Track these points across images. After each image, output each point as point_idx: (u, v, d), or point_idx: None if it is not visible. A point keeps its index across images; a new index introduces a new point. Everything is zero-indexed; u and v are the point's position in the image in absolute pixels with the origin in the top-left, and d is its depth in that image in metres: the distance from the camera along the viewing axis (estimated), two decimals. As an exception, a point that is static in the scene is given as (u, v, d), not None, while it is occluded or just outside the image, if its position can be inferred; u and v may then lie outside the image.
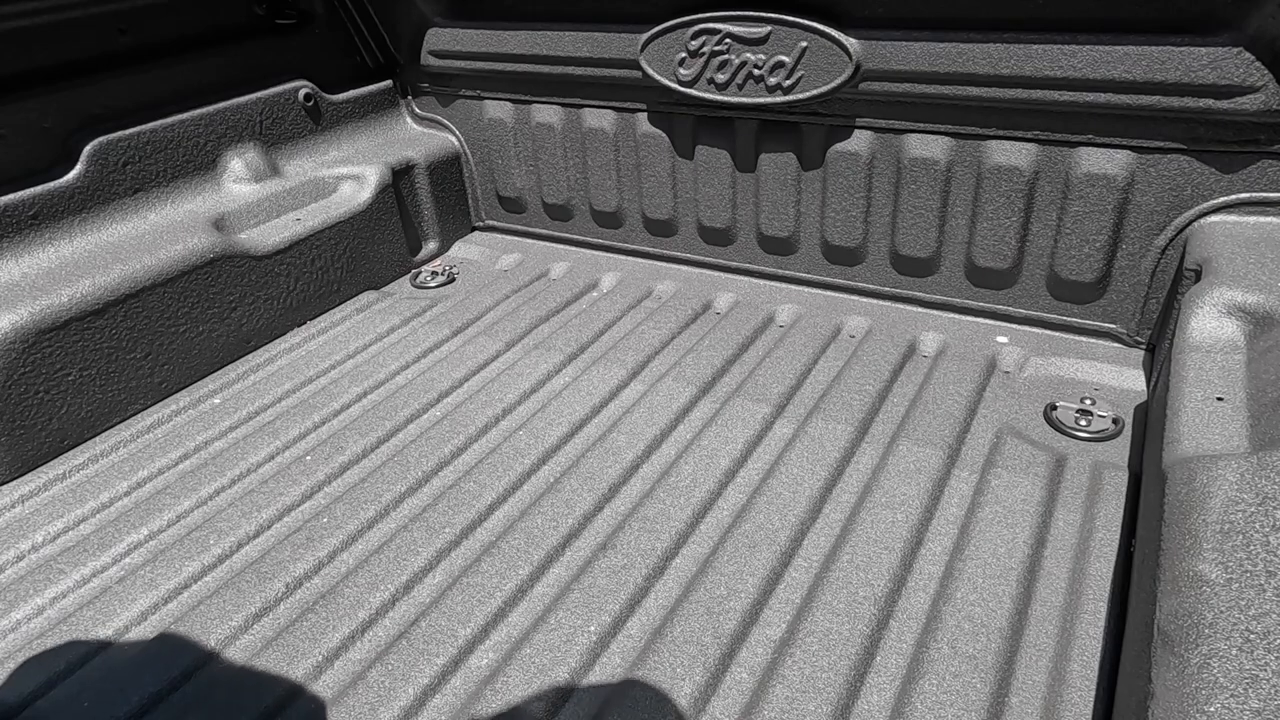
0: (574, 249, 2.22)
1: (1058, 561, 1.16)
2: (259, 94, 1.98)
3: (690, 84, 1.78)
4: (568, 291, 2.00)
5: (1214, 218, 1.44)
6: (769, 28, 1.65)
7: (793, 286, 1.94)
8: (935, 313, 1.79)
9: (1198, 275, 1.34)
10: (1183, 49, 1.34)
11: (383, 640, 1.13)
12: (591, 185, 2.10)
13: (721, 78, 1.74)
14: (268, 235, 1.85)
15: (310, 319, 1.94)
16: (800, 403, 1.54)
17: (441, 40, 2.10)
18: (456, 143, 2.27)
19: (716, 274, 2.03)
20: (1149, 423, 1.35)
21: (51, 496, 1.43)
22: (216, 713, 1.04)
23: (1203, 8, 1.31)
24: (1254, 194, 1.41)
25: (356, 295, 2.03)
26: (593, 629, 1.11)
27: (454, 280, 2.13)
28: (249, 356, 1.82)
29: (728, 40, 1.70)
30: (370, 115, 2.25)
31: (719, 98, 1.76)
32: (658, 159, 1.97)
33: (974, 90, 1.52)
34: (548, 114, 2.08)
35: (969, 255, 1.70)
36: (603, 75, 1.91)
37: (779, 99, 1.70)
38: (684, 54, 1.76)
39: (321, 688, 1.06)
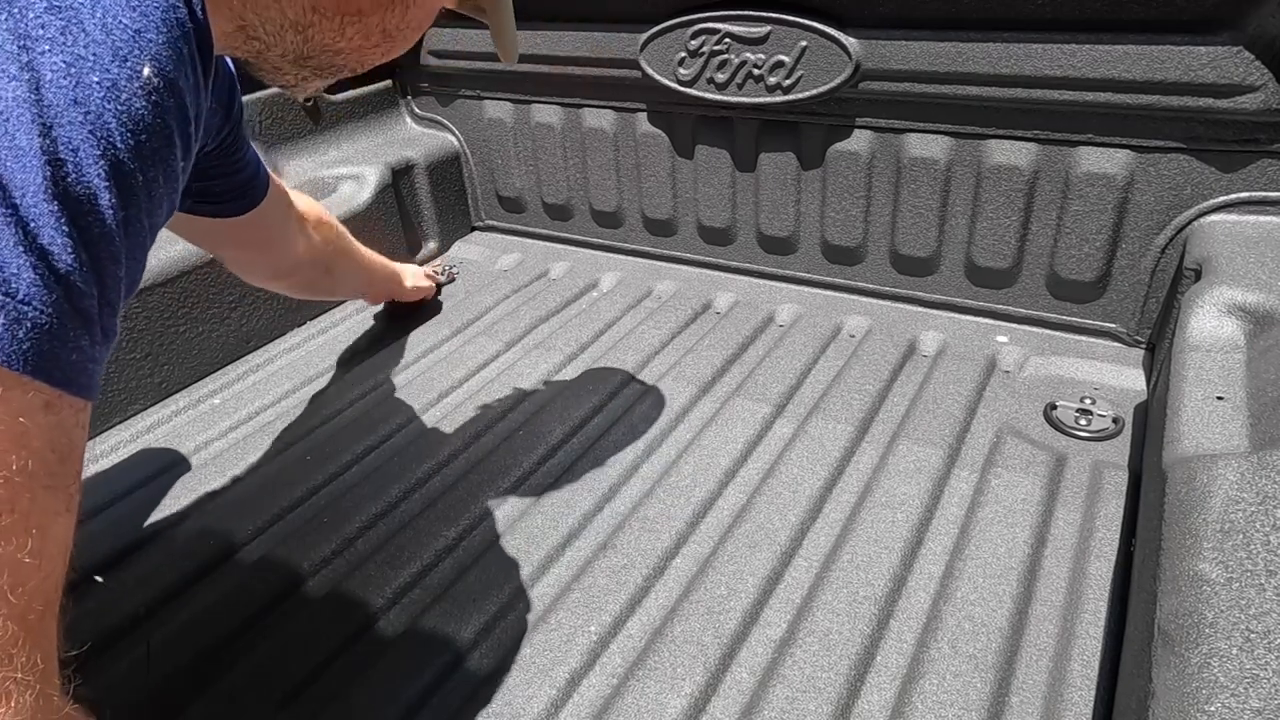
0: (574, 249, 2.22)
1: (1058, 561, 1.16)
2: (259, 94, 1.98)
3: (690, 84, 1.78)
4: (568, 291, 2.00)
5: (1214, 217, 1.44)
6: (768, 27, 1.65)
7: (793, 286, 1.94)
8: (935, 312, 1.79)
9: (1197, 274, 1.34)
10: (1182, 48, 1.34)
11: (383, 640, 1.13)
12: (591, 185, 2.10)
13: (721, 77, 1.74)
14: (267, 235, 1.85)
15: (310, 319, 1.94)
16: (800, 402, 1.54)
17: (441, 40, 2.10)
18: (456, 143, 2.27)
19: (716, 274, 2.03)
20: (1149, 422, 1.35)
21: (51, 497, 1.43)
22: (215, 713, 1.04)
23: (1202, 7, 1.31)
24: (1254, 193, 1.41)
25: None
26: (593, 629, 1.11)
27: (454, 280, 2.13)
28: (249, 356, 1.82)
29: (727, 40, 1.70)
30: (370, 115, 2.25)
31: (719, 97, 1.76)
32: (657, 159, 1.97)
33: (974, 90, 1.52)
34: (547, 114, 2.08)
35: (969, 255, 1.70)
36: (602, 75, 1.91)
37: (779, 99, 1.70)
38: (683, 54, 1.76)
39: (321, 687, 1.06)
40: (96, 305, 0.53)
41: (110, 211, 0.51)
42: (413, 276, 1.94)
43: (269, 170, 1.25)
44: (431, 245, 2.26)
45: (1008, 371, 1.59)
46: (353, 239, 1.65)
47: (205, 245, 1.35)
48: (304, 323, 1.93)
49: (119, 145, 0.51)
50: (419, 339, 1.84)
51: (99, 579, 1.19)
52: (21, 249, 0.47)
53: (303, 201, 1.44)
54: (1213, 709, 0.65)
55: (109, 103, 0.50)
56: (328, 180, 2.05)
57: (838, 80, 1.62)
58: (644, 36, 1.79)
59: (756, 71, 1.70)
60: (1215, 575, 0.76)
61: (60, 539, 0.54)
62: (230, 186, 1.16)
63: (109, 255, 0.53)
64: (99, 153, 0.50)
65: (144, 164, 0.54)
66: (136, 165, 0.53)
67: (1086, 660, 1.01)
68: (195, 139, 0.62)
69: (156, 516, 1.36)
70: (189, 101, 0.58)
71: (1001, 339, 1.67)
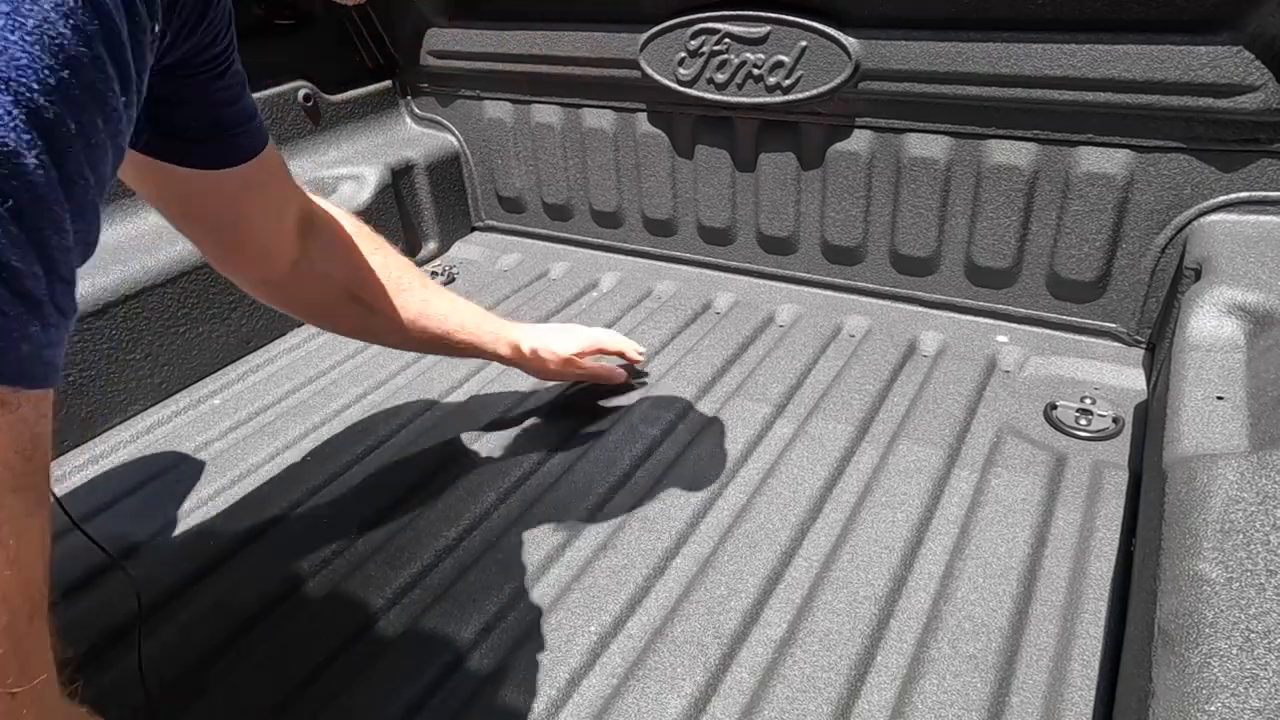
0: (574, 249, 2.22)
1: (1058, 561, 1.16)
2: (259, 94, 1.97)
3: (690, 84, 1.78)
4: (568, 291, 2.00)
5: (1214, 216, 1.44)
6: (768, 27, 1.65)
7: (793, 286, 1.94)
8: (935, 312, 1.79)
9: (1197, 274, 1.34)
10: (1182, 48, 1.34)
11: (383, 641, 1.13)
12: (591, 185, 2.10)
13: (721, 77, 1.74)
14: (267, 235, 1.84)
15: (310, 319, 1.94)
16: (800, 402, 1.54)
17: (441, 40, 2.10)
18: (456, 143, 2.27)
19: (716, 274, 2.03)
20: (1149, 422, 1.35)
21: (51, 497, 1.43)
22: (215, 713, 1.04)
23: (1202, 7, 1.31)
24: (1254, 193, 1.41)
25: (356, 295, 2.03)
26: (593, 629, 1.11)
27: (454, 280, 2.13)
28: (249, 357, 1.82)
29: (727, 40, 1.70)
30: (370, 115, 2.25)
31: (718, 97, 1.76)
32: (657, 159, 1.97)
33: (974, 90, 1.52)
34: (547, 114, 2.08)
35: (969, 254, 1.70)
36: (602, 75, 1.91)
37: (778, 99, 1.70)
38: (683, 54, 1.76)
39: (320, 687, 1.06)
40: (45, 284, 0.44)
41: (40, 173, 0.42)
42: (557, 347, 1.49)
43: (271, 143, 1.06)
44: (431, 245, 2.26)
45: (1008, 371, 1.59)
46: (428, 279, 1.34)
47: (168, 209, 1.03)
48: (304, 323, 1.92)
49: (34, 88, 0.41)
50: (419, 339, 1.84)
51: (130, 572, 1.19)
52: None
53: (350, 222, 1.24)
54: (1213, 709, 0.65)
55: (11, 33, 0.40)
56: (328, 180, 2.05)
57: (838, 80, 1.62)
58: (644, 36, 1.79)
59: (756, 71, 1.70)
60: (1215, 575, 0.76)
61: (35, 541, 0.48)
62: (199, 120, 0.88)
63: (49, 223, 0.43)
64: (10, 100, 0.40)
65: (72, 107, 0.43)
66: (64, 110, 0.43)
67: (1086, 660, 1.01)
68: (142, 67, 0.51)
69: (156, 516, 1.36)
70: (118, 20, 0.47)
71: (1001, 339, 1.67)
